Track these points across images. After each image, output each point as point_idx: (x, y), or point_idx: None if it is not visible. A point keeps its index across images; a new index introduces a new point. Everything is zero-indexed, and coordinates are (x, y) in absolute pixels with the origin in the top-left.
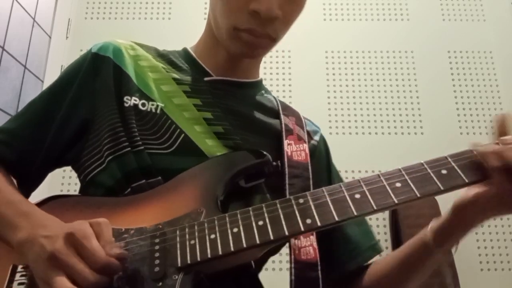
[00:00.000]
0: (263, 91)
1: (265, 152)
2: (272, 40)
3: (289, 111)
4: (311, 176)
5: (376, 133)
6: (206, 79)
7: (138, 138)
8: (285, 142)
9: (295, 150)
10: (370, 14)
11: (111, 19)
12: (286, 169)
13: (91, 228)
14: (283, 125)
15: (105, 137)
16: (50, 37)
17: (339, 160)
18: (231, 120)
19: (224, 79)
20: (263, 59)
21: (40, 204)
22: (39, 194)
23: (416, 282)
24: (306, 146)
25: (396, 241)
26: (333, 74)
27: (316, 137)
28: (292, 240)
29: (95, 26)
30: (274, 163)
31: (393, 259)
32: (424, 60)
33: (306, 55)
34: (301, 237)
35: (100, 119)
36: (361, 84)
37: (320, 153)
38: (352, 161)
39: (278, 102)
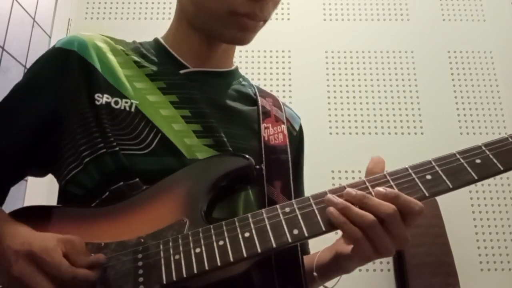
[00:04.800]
0: (240, 79)
1: (247, 156)
2: (264, 23)
3: (267, 94)
4: (289, 159)
5: (376, 133)
6: (181, 71)
7: (112, 139)
8: (262, 126)
9: (272, 134)
10: (370, 14)
11: (111, 19)
12: (263, 156)
13: (60, 245)
14: (260, 108)
15: (79, 138)
16: (50, 37)
17: (339, 160)
18: (211, 114)
19: (201, 70)
20: (263, 58)
21: (13, 216)
22: (39, 196)
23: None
24: (284, 127)
25: None
26: (333, 74)
27: (296, 126)
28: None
29: (95, 26)
30: (257, 166)
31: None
32: (424, 60)
33: (306, 55)
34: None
35: (71, 117)
36: (361, 84)
37: (294, 147)
38: (352, 161)
39: (255, 87)
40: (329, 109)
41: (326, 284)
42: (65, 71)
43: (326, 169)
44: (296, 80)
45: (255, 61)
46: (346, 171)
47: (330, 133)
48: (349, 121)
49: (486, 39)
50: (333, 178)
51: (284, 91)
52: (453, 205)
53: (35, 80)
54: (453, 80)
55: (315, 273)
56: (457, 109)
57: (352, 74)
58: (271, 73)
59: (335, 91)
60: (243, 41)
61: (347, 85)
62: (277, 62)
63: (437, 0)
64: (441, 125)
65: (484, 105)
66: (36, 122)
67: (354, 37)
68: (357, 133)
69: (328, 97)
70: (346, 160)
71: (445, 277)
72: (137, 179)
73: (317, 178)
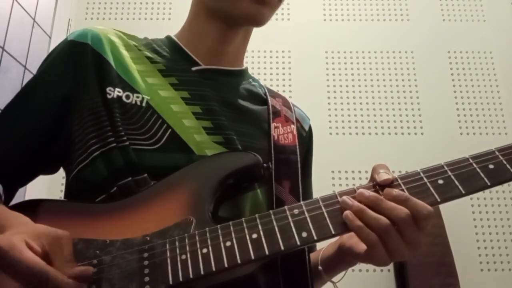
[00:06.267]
0: (250, 79)
1: (255, 154)
2: (280, 3)
3: (276, 94)
4: (299, 159)
5: (376, 133)
6: (194, 68)
7: (123, 133)
8: (272, 125)
9: (282, 133)
10: (370, 14)
11: (111, 19)
12: (273, 155)
13: (42, 239)
14: (270, 107)
15: (89, 131)
16: (50, 37)
17: (339, 160)
18: (221, 111)
19: (213, 68)
20: (263, 59)
21: (17, 208)
22: (38, 194)
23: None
24: (294, 127)
25: None
26: (333, 74)
27: (306, 127)
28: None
29: None
30: (265, 165)
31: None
32: (424, 60)
33: (306, 55)
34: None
35: (83, 111)
36: (361, 84)
37: (303, 148)
38: (352, 161)
39: (265, 88)
40: (329, 109)
41: (332, 279)
42: (78, 64)
43: (326, 169)
44: (296, 80)
45: (255, 61)
46: (346, 171)
47: (330, 133)
48: (349, 121)
49: (486, 39)
50: (333, 178)
51: (284, 91)
52: (453, 205)
53: (47, 74)
54: (453, 80)
55: (320, 267)
56: (457, 109)
57: (352, 74)
58: (271, 73)
59: (335, 91)
60: (259, 15)
61: (347, 85)
62: (277, 62)
63: (437, 0)
64: (441, 125)
65: (484, 105)
66: (48, 116)
67: (354, 37)
68: (357, 133)
69: (328, 97)
70: (346, 160)
71: (445, 277)
72: (145, 175)
73: (317, 178)
